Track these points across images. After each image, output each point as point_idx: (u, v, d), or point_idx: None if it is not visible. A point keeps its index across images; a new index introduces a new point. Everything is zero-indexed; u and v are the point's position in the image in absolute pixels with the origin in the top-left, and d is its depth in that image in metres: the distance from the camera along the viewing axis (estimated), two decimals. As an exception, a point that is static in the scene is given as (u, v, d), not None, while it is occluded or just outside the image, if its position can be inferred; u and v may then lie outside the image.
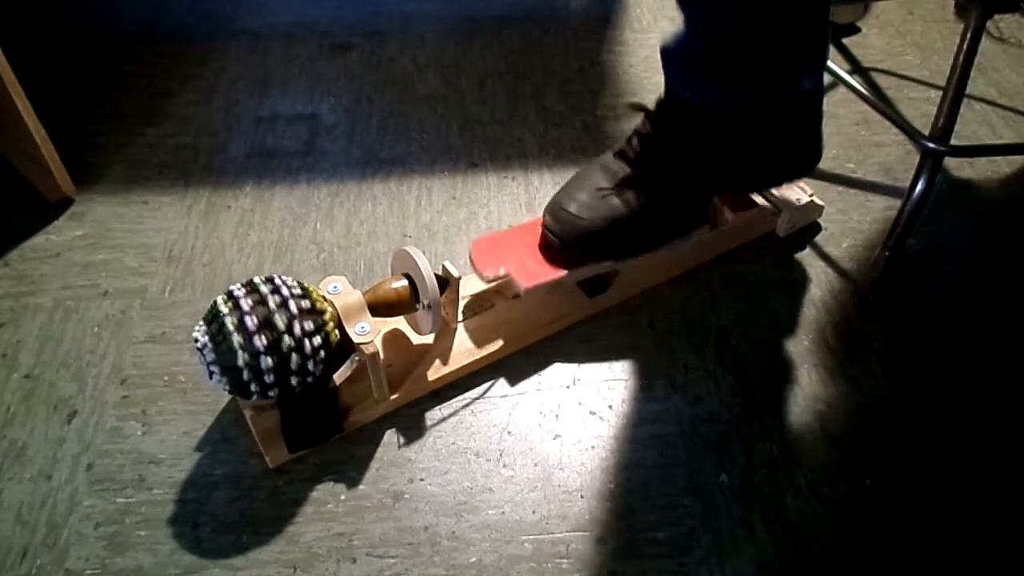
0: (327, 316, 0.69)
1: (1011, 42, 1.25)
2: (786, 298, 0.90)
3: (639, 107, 0.84)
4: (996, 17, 1.27)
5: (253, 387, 0.67)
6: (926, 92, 1.15)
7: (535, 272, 0.80)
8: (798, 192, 0.94)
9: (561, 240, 0.80)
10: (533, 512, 0.72)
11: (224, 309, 0.66)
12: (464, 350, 0.81)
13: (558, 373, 0.82)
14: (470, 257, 0.81)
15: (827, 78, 1.08)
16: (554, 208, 0.81)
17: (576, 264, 0.81)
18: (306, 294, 0.69)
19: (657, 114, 0.82)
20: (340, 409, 0.76)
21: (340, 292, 0.73)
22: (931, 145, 0.90)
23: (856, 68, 1.20)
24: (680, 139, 0.81)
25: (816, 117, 0.85)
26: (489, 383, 0.81)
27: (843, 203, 1.00)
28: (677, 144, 0.81)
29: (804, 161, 0.88)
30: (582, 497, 0.73)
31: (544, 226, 0.81)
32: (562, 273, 0.80)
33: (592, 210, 0.80)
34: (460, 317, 0.83)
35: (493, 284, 0.79)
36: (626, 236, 0.81)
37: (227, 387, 0.67)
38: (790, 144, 0.85)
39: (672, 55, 0.79)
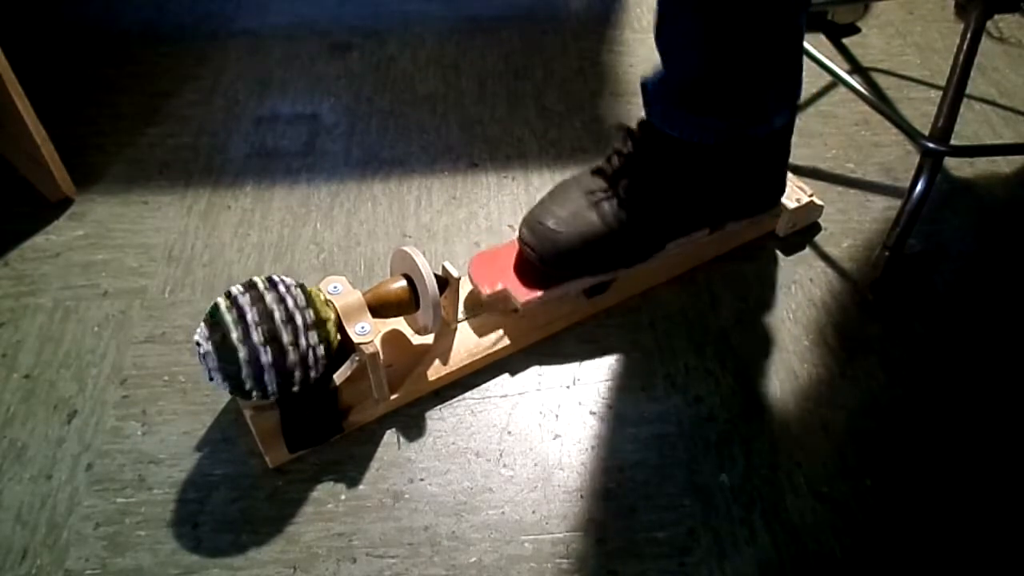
0: (330, 325, 0.69)
1: (1011, 42, 1.25)
2: (786, 298, 0.90)
3: (621, 127, 0.85)
4: (996, 17, 1.27)
5: (255, 394, 0.67)
6: (926, 92, 1.15)
7: (532, 287, 0.80)
8: (798, 192, 0.94)
9: (538, 254, 0.80)
10: (533, 512, 0.72)
11: (228, 318, 0.66)
12: (464, 350, 0.81)
13: (558, 373, 0.82)
14: (469, 274, 0.82)
15: (827, 78, 1.09)
16: (531, 222, 0.82)
17: (575, 277, 0.82)
18: (310, 303, 0.69)
19: (636, 139, 0.83)
20: (340, 409, 0.76)
21: (340, 292, 0.73)
22: (931, 145, 0.90)
23: (856, 68, 1.20)
24: (657, 167, 0.82)
25: (783, 155, 0.88)
26: (489, 383, 0.81)
27: (843, 203, 1.00)
28: (654, 168, 0.82)
29: (766, 197, 0.90)
30: (582, 497, 0.73)
31: (521, 239, 0.82)
32: (560, 287, 0.81)
33: (569, 225, 0.80)
34: (460, 317, 0.83)
35: (491, 299, 0.81)
36: (602, 252, 0.82)
37: (227, 390, 0.67)
38: (757, 179, 0.87)
39: (651, 90, 0.82)
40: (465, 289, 0.84)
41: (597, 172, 0.84)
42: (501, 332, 0.82)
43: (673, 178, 0.82)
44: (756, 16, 0.73)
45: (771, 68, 0.78)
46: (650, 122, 0.83)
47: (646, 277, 0.89)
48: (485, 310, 0.84)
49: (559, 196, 0.83)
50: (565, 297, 0.83)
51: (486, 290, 0.80)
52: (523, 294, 0.80)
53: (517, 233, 0.83)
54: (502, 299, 0.81)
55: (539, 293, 0.80)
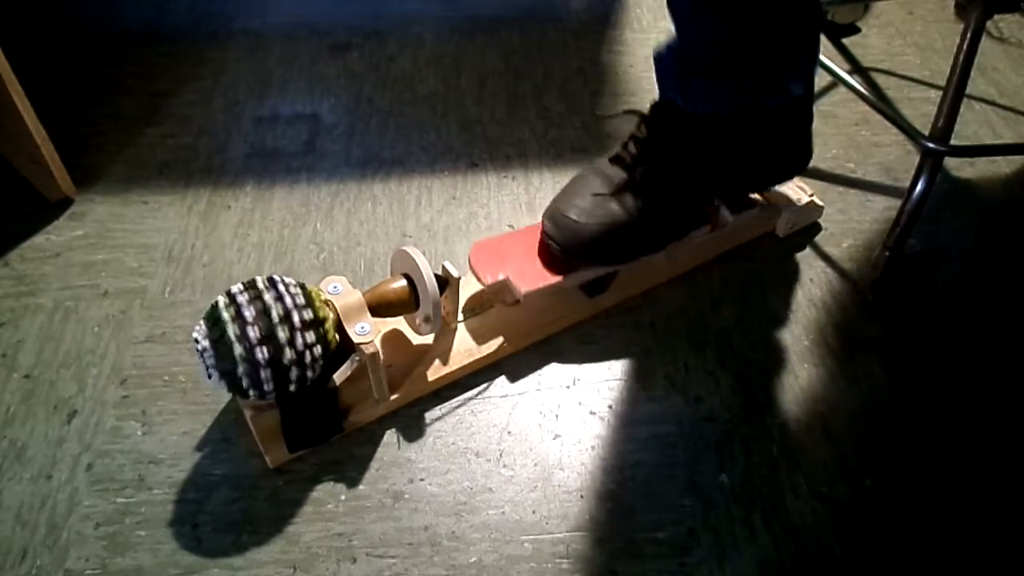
0: (328, 324, 0.69)
1: (1011, 42, 1.25)
2: (786, 298, 0.90)
3: (634, 113, 0.85)
4: (996, 17, 1.27)
5: (251, 393, 0.67)
6: (926, 92, 1.15)
7: (534, 277, 0.80)
8: (798, 192, 0.94)
9: (562, 246, 0.80)
10: (533, 512, 0.72)
11: (226, 316, 0.66)
12: (464, 350, 0.81)
13: (558, 373, 0.82)
14: (469, 262, 0.81)
15: (827, 78, 1.09)
16: (554, 214, 0.81)
17: (575, 268, 0.82)
18: (308, 302, 0.69)
19: (651, 119, 0.83)
20: (340, 409, 0.76)
21: (340, 292, 0.73)
22: (931, 145, 0.90)
23: (856, 68, 1.20)
24: (674, 144, 0.81)
25: (805, 121, 0.86)
26: (489, 383, 0.81)
27: (843, 203, 1.00)
28: (671, 149, 0.82)
29: (793, 163, 0.89)
30: (582, 497, 0.73)
31: (544, 232, 0.82)
32: (560, 278, 0.81)
33: (592, 216, 0.80)
34: (460, 317, 0.83)
35: (492, 289, 0.80)
36: (626, 241, 0.81)
37: (225, 388, 0.67)
38: (780, 147, 0.86)
39: (664, 61, 0.81)
40: (465, 289, 0.84)
41: (615, 160, 0.84)
42: (501, 332, 0.82)
43: (690, 156, 0.82)
44: None
45: (786, 30, 0.76)
46: (663, 100, 0.82)
47: (646, 277, 0.89)
48: (484, 301, 0.83)
49: (579, 187, 0.83)
50: (566, 288, 0.83)
51: (487, 279, 0.79)
52: (524, 285, 0.80)
53: (540, 224, 0.82)
54: (503, 289, 0.81)
55: (540, 284, 0.80)
